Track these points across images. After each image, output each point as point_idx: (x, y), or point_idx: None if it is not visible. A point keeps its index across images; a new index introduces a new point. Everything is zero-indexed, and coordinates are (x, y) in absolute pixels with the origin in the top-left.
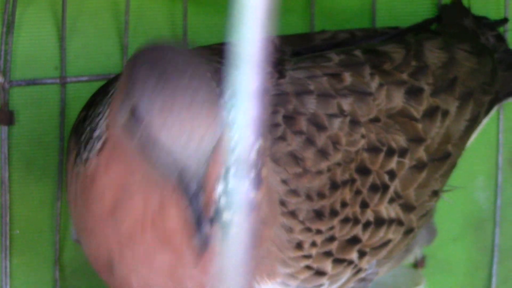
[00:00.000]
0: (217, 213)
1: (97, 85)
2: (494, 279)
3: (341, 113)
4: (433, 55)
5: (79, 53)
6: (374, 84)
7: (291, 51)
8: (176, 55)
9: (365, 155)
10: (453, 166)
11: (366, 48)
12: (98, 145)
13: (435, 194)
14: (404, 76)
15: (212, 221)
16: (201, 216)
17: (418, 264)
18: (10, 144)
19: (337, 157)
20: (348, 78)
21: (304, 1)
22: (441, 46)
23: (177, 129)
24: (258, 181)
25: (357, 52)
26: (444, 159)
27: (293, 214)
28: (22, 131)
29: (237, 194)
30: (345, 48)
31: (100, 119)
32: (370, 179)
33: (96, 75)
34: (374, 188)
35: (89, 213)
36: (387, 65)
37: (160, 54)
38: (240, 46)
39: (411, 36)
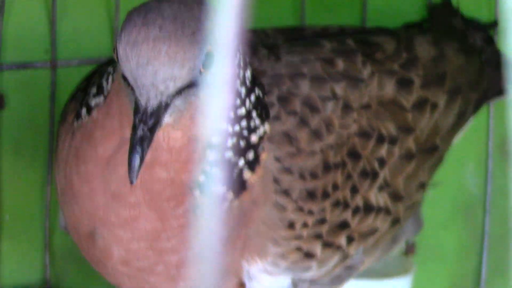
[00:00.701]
0: (202, 183)
1: (87, 68)
2: (484, 266)
3: (334, 96)
4: (423, 48)
5: (69, 36)
6: (366, 71)
7: (283, 40)
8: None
9: (356, 139)
10: (440, 160)
11: (358, 38)
12: (102, 98)
13: (422, 186)
14: (395, 67)
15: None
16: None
17: (408, 251)
18: (0, 128)
19: (330, 139)
20: (340, 63)
21: None
22: (431, 41)
23: (143, 67)
24: (255, 163)
25: (349, 41)
26: (432, 151)
27: (286, 192)
28: (12, 115)
29: (216, 167)
30: (337, 38)
31: (111, 72)
32: (361, 164)
33: (87, 59)
34: (364, 174)
35: (79, 169)
36: (379, 54)
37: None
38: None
39: (402, 31)
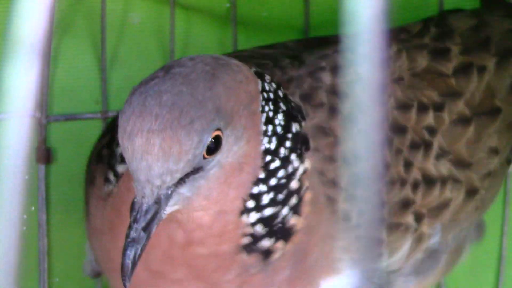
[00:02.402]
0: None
1: None
2: None
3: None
4: (459, 20)
5: (121, 85)
6: (391, 50)
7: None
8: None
9: (396, 113)
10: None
11: None
12: (125, 167)
13: (495, 151)
14: (425, 40)
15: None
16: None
17: None
18: (48, 184)
19: None
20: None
21: None
22: (469, 15)
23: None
24: (300, 206)
25: None
26: (492, 114)
27: (333, 182)
28: (61, 170)
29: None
30: None
31: None
32: (408, 136)
33: None
34: (414, 145)
35: (116, 245)
36: (403, 35)
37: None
38: None
39: (435, 16)
